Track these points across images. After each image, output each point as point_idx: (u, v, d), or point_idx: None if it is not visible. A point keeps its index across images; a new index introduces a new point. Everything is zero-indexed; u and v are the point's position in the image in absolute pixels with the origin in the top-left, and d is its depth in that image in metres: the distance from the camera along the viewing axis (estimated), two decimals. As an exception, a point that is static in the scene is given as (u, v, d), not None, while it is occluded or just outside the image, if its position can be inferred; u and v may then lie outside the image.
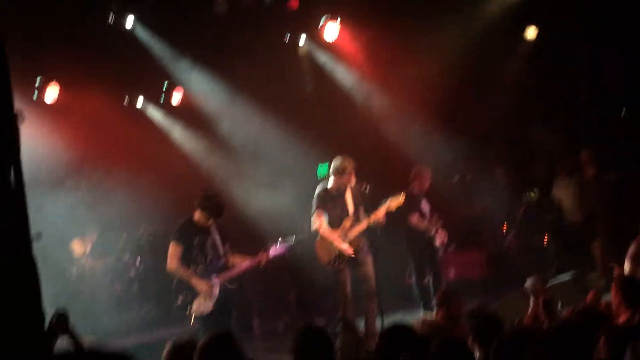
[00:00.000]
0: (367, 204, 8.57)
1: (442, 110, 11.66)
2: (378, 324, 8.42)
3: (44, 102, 10.03)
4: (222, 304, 7.63)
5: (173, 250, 7.57)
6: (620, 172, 11.33)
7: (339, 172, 8.44)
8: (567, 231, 11.21)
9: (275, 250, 8.05)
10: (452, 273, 11.37)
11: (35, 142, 8.68)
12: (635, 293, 5.47)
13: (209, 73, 11.31)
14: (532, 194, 11.55)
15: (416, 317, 9.20)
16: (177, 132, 11.73)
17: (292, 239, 9.23)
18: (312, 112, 11.89)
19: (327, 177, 8.76)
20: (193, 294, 7.51)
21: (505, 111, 12.00)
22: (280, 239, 8.19)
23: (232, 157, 11.54)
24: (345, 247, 8.39)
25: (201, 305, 7.51)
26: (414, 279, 9.86)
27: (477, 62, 11.81)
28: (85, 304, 9.73)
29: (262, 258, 7.91)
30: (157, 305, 10.14)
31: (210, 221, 7.72)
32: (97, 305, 9.73)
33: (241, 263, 7.87)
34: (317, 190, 8.59)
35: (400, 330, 4.24)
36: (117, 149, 10.87)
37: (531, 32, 12.05)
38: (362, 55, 11.55)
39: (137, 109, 11.51)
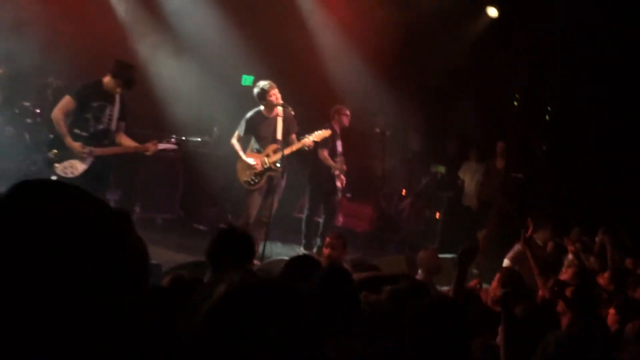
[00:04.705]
0: (298, 131, 8.65)
1: (388, 64, 11.51)
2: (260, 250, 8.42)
3: None
4: (97, 177, 7.26)
5: (65, 103, 7.22)
6: (527, 173, 11.65)
7: (260, 97, 8.48)
8: (460, 213, 11.47)
9: (165, 144, 7.98)
10: (340, 220, 11.40)
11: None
12: (517, 290, 5.62)
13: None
14: (440, 169, 11.70)
15: (296, 252, 9.24)
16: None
17: (197, 139, 9.05)
18: (260, 22, 11.46)
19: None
20: (66, 154, 7.19)
21: (441, 81, 11.99)
22: (174, 137, 8.03)
23: (165, 34, 11.00)
24: (252, 162, 8.46)
25: (68, 169, 7.18)
26: (305, 214, 9.78)
27: (436, 30, 11.69)
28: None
29: (148, 147, 7.65)
30: (45, 159, 9.64)
31: (118, 90, 7.34)
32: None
33: (126, 145, 7.59)
34: (249, 113, 8.59)
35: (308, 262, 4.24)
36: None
37: (493, 11, 11.97)
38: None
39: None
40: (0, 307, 0.96)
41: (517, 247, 8.70)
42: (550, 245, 9.05)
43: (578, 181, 11.80)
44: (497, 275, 5.88)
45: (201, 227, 10.23)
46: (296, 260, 4.42)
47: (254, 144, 8.70)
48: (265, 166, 8.52)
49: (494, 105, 12.81)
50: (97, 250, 1.00)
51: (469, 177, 11.51)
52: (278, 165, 8.52)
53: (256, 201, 8.60)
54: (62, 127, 7.16)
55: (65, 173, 7.12)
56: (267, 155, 8.56)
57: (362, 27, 11.14)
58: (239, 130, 8.61)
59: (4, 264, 0.97)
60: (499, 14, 11.95)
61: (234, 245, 4.20)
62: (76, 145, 7.17)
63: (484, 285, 6.70)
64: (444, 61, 11.82)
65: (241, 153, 8.57)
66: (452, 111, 13.33)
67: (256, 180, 8.54)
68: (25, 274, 0.96)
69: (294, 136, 8.68)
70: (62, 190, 1.06)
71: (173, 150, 8.04)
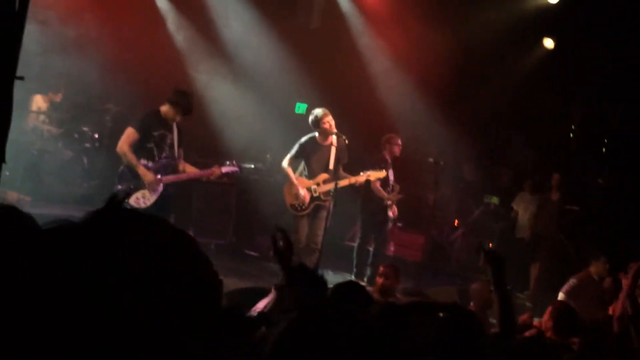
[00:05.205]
0: (349, 162, 8.62)
1: (442, 94, 11.49)
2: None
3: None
4: (162, 205, 7.33)
5: (128, 135, 7.29)
6: (582, 207, 11.43)
7: (314, 124, 8.45)
8: (513, 245, 11.30)
9: (228, 167, 7.90)
10: (391, 249, 11.36)
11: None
12: (569, 323, 5.54)
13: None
14: (493, 199, 11.57)
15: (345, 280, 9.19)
16: (173, 19, 11.27)
17: (251, 165, 9.12)
18: (313, 49, 11.58)
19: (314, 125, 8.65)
20: (136, 185, 7.26)
21: (496, 111, 11.91)
22: (235, 160, 8.05)
23: (222, 62, 11.20)
24: (303, 193, 8.41)
25: (140, 199, 7.25)
26: (357, 242, 9.77)
27: (491, 59, 11.64)
28: (31, 160, 9.42)
29: (214, 171, 7.73)
30: (101, 184, 9.86)
31: (177, 118, 7.44)
32: (43, 166, 9.39)
33: (190, 171, 7.68)
34: (304, 138, 8.57)
35: (353, 288, 4.22)
36: (108, 17, 10.41)
37: (549, 42, 11.90)
38: (385, 10, 11.27)
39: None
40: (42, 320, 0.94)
41: (572, 280, 8.53)
42: (607, 281, 8.84)
43: (635, 214, 11.51)
44: (549, 308, 5.79)
45: (253, 253, 10.31)
46: (342, 286, 4.39)
47: (302, 169, 8.69)
48: (315, 194, 8.52)
49: (549, 136, 12.64)
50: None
51: (523, 209, 11.36)
52: (329, 194, 8.53)
53: (304, 225, 8.54)
54: (132, 158, 7.24)
55: (139, 204, 7.20)
56: (318, 184, 8.53)
57: (416, 56, 11.15)
58: (291, 153, 8.59)
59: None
60: (555, 45, 11.85)
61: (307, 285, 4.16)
62: (149, 175, 7.26)
63: (535, 319, 6.59)
64: (498, 90, 11.74)
65: (293, 178, 8.54)
66: (506, 141, 13.22)
67: (303, 207, 8.52)
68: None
69: (341, 168, 8.61)
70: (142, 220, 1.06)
71: (235, 172, 8.07)
